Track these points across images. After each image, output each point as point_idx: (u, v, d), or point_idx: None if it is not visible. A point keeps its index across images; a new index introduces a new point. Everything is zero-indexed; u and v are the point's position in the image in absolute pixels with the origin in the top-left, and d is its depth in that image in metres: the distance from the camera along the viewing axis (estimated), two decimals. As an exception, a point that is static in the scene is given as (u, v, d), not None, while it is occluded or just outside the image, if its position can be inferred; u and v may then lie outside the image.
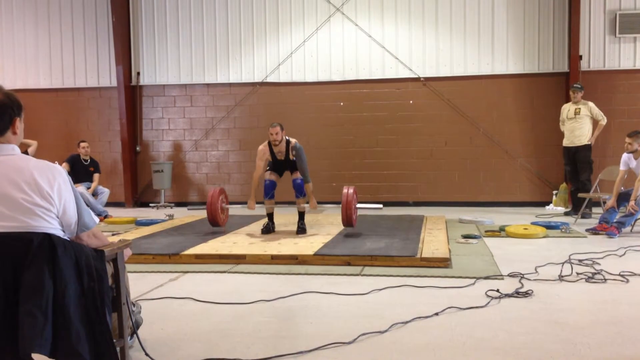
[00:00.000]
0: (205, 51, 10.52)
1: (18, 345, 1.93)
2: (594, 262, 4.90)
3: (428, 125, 9.95)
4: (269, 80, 10.28)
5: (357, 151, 10.16)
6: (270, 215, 6.65)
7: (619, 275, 4.40)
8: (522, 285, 4.12)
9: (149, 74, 10.72)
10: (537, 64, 9.70)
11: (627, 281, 4.26)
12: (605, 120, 8.26)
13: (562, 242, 6.08)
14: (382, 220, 7.59)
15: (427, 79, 9.91)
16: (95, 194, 8.83)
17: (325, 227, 6.95)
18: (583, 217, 7.88)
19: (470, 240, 6.07)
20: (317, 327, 3.28)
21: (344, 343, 2.97)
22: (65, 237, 2.19)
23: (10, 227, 2.04)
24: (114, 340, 2.20)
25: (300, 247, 5.45)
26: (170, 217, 8.28)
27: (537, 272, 4.56)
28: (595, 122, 8.32)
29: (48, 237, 2.04)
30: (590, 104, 8.31)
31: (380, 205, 7.22)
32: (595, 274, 4.43)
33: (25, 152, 7.54)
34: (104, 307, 2.15)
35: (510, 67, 9.76)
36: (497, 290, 3.91)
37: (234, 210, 9.25)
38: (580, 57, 9.43)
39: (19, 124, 2.21)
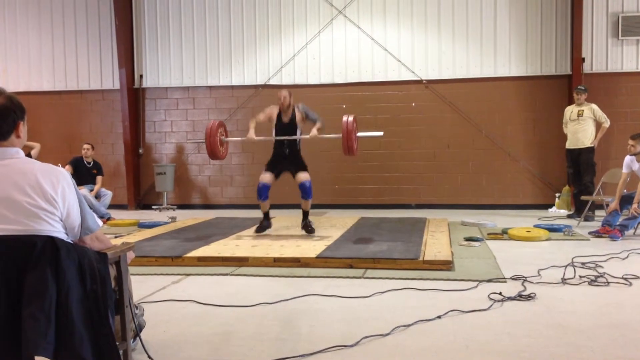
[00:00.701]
0: (208, 54, 10.54)
1: (21, 348, 1.93)
2: (597, 265, 4.89)
3: (430, 128, 9.94)
4: (271, 82, 10.29)
5: (360, 153, 10.09)
6: (266, 214, 6.55)
7: (622, 278, 4.38)
8: (525, 288, 4.11)
9: (151, 77, 10.74)
10: (540, 66, 9.69)
11: (630, 284, 4.25)
12: (609, 123, 8.24)
13: (565, 245, 6.07)
14: (385, 223, 7.59)
15: (430, 82, 9.91)
16: (98, 197, 8.84)
17: (328, 229, 6.95)
18: (586, 219, 7.86)
19: (473, 243, 6.06)
20: (319, 330, 3.27)
21: (346, 346, 2.97)
22: (69, 240, 2.20)
23: (14, 230, 2.04)
24: (117, 343, 2.20)
25: (303, 250, 5.45)
26: (173, 219, 8.29)
27: (539, 275, 4.55)
28: (598, 125, 8.31)
29: (51, 240, 2.05)
30: (594, 106, 8.29)
31: (381, 133, 7.23)
32: (598, 277, 4.42)
33: (28, 155, 7.58)
34: (107, 310, 2.15)
35: (512, 69, 9.75)
36: (500, 293, 3.91)
37: (237, 213, 9.27)
38: (583, 59, 9.40)
39: (23, 128, 2.22)
